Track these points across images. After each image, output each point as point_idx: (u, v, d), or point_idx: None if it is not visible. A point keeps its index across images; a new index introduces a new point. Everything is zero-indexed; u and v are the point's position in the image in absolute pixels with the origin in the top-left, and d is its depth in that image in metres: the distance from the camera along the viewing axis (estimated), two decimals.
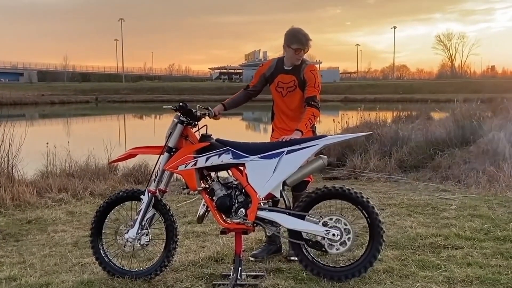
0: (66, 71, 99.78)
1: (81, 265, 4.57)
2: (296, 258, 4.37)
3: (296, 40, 4.31)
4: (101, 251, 4.19)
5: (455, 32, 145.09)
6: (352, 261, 3.99)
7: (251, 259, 4.48)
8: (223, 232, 4.11)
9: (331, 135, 4.11)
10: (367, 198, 3.90)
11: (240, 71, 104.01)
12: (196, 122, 4.12)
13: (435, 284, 3.75)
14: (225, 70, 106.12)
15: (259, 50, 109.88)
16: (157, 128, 33.18)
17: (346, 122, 15.07)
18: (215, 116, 4.36)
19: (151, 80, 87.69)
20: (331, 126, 16.64)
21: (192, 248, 4.91)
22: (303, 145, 3.92)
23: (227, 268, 4.32)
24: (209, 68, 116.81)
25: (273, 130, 4.66)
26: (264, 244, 4.66)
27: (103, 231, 4.24)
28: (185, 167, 3.96)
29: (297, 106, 4.45)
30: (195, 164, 3.96)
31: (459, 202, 6.60)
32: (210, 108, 4.31)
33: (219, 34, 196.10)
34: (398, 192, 7.69)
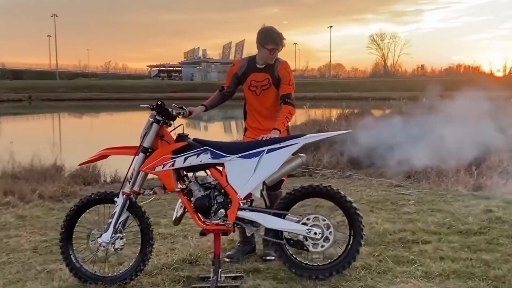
0: None
1: (47, 272, 4.35)
2: (272, 258, 4.39)
3: (271, 40, 4.28)
4: (72, 257, 4.02)
5: (388, 32, 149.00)
6: (332, 259, 4.00)
7: (226, 260, 4.42)
8: (203, 234, 4.03)
9: (310, 133, 4.10)
10: (346, 195, 3.93)
11: (180, 69, 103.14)
12: (171, 122, 4.02)
13: (414, 279, 3.83)
14: (164, 68, 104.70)
15: (198, 48, 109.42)
16: (101, 126, 32.44)
17: (293, 120, 15.20)
18: (189, 115, 4.27)
19: (87, 78, 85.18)
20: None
21: (162, 251, 4.79)
22: (283, 144, 3.90)
23: (203, 270, 4.24)
24: (147, 66, 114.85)
25: (246, 129, 4.62)
26: (238, 244, 4.61)
27: (73, 236, 4.06)
28: (163, 168, 3.86)
29: (271, 105, 4.42)
30: (173, 165, 3.86)
31: (416, 197, 6.80)
32: (184, 107, 4.22)
33: (156, 31, 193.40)
34: (354, 188, 7.83)
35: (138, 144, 4.01)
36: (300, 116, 15.75)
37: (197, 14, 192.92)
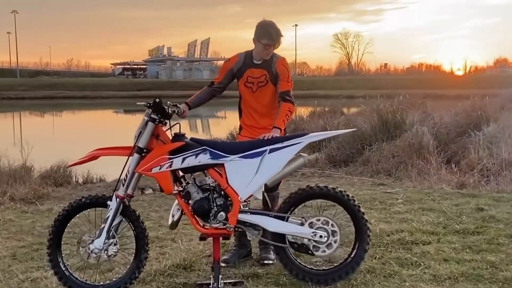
0: None
1: (31, 280, 4.06)
2: (270, 261, 4.22)
3: (267, 35, 4.07)
4: (61, 265, 3.74)
5: (352, 31, 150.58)
6: (337, 264, 3.84)
7: (222, 264, 4.19)
8: (202, 238, 3.81)
9: (314, 132, 3.93)
10: (353, 197, 3.77)
11: (144, 67, 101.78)
12: (167, 120, 3.79)
13: (423, 282, 3.69)
14: (128, 66, 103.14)
15: (163, 45, 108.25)
16: (66, 125, 31.67)
17: None
18: (183, 114, 4.04)
19: (49, 76, 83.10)
20: None
21: (152, 256, 4.52)
22: (285, 143, 3.71)
23: (200, 276, 4.03)
24: (111, 64, 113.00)
25: (241, 128, 4.40)
26: (234, 248, 4.40)
27: (62, 242, 3.79)
28: (160, 169, 3.62)
29: (268, 102, 4.23)
30: (170, 166, 3.63)
31: (404, 196, 6.70)
32: (178, 105, 3.99)
33: (119, 28, 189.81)
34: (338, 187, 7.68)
35: (129, 144, 3.78)
36: None
37: (161, 11, 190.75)
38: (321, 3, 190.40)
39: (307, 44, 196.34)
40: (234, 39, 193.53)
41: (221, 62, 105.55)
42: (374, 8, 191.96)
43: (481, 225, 5.08)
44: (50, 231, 3.76)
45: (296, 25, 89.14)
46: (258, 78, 4.18)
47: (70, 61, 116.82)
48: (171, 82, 69.82)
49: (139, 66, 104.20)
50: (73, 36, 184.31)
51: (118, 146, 3.79)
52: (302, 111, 17.20)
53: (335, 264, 3.83)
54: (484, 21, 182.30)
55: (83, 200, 3.75)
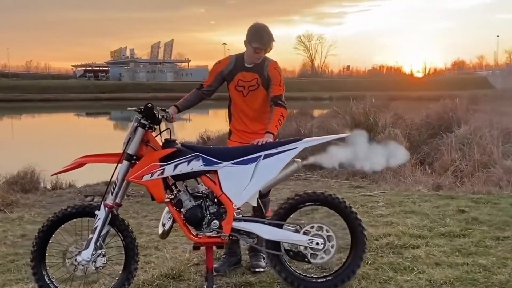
0: None
1: None
2: (261, 269, 4.13)
3: (258, 38, 3.97)
4: (46, 278, 3.56)
5: (315, 33, 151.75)
6: (332, 271, 3.78)
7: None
8: (196, 247, 3.69)
9: (309, 137, 3.85)
10: (350, 204, 3.72)
11: (107, 69, 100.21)
12: (156, 126, 3.65)
13: None
14: (90, 68, 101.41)
15: (126, 47, 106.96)
16: (26, 129, 30.82)
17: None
18: (172, 118, 3.91)
19: (7, 78, 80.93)
20: (223, 126, 16.51)
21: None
22: (280, 148, 3.63)
23: (190, 286, 3.91)
24: (72, 66, 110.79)
25: (231, 133, 4.29)
26: (224, 256, 4.28)
27: (46, 254, 3.61)
28: (151, 176, 3.49)
29: (259, 106, 4.14)
30: (162, 173, 3.50)
31: (384, 199, 6.70)
32: (167, 110, 3.85)
33: (80, 30, 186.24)
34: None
35: (116, 151, 3.63)
36: None
37: (123, 13, 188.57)
38: (285, 6, 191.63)
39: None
40: (199, 41, 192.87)
41: (185, 64, 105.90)
42: (337, 11, 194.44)
43: (465, 227, 5.10)
44: (34, 243, 3.57)
45: None
46: (249, 82, 4.08)
47: (29, 62, 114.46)
48: (134, 84, 69.04)
49: (101, 68, 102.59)
50: (32, 37, 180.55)
51: (105, 153, 3.63)
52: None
53: (331, 272, 3.77)
54: (442, 25, 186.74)
55: (68, 209, 3.58)
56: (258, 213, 3.91)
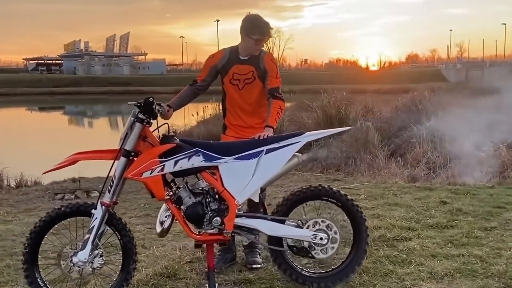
0: None
1: None
2: (258, 265, 4.06)
3: (258, 29, 3.86)
4: (39, 281, 3.38)
5: (273, 27, 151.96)
6: (335, 266, 3.74)
7: None
8: (198, 245, 3.58)
9: (310, 131, 3.78)
10: (351, 198, 3.68)
11: (60, 62, 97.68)
12: (152, 121, 3.51)
13: (422, 281, 3.64)
14: (42, 61, 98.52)
15: (80, 40, 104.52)
16: None
17: (201, 114, 14.97)
18: (167, 114, 3.78)
19: None
20: (189, 119, 16.32)
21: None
22: (282, 143, 3.54)
23: (188, 284, 3.79)
24: (23, 59, 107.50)
25: (226, 127, 4.16)
26: (219, 253, 4.18)
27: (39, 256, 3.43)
28: (151, 173, 3.35)
29: (256, 100, 4.04)
30: (162, 170, 3.37)
31: (364, 192, 6.72)
32: (163, 104, 3.71)
33: (31, 22, 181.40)
34: (295, 184, 7.63)
35: (112, 147, 3.48)
36: (209, 111, 15.42)
37: (77, 5, 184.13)
38: None
39: (229, 39, 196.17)
40: (155, 34, 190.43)
41: (142, 57, 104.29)
42: (294, 4, 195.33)
43: (452, 218, 5.15)
44: (26, 244, 3.39)
45: (217, 20, 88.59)
46: (245, 75, 3.98)
47: None
48: (90, 78, 67.51)
49: (54, 62, 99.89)
50: None
51: (101, 149, 3.47)
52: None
53: (334, 267, 3.73)
54: (396, 19, 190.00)
55: (62, 209, 3.40)
56: (252, 209, 3.83)
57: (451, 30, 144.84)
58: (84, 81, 62.82)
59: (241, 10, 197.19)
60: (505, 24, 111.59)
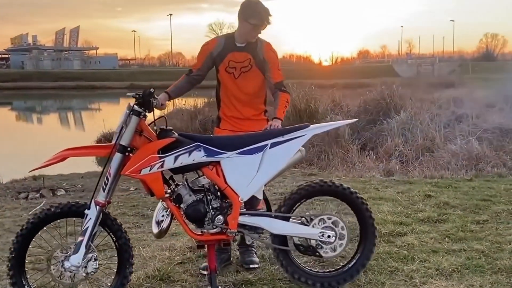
0: None
1: None
2: (256, 265, 3.86)
3: (256, 14, 3.63)
4: None
5: (226, 21, 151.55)
6: (341, 265, 3.58)
7: (204, 272, 3.74)
8: (200, 246, 3.35)
9: (314, 124, 3.59)
10: (359, 194, 3.51)
11: (7, 56, 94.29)
12: (147, 114, 3.25)
13: (431, 278, 3.51)
14: None
15: (27, 33, 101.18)
16: None
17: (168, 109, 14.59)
18: (161, 106, 3.52)
19: None
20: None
21: (114, 267, 3.93)
22: (287, 136, 3.34)
23: (183, 287, 3.55)
24: None
25: (220, 120, 3.92)
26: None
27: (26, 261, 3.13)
28: (150, 170, 3.09)
29: (252, 89, 3.81)
30: (162, 166, 3.11)
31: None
32: (156, 96, 3.45)
33: None
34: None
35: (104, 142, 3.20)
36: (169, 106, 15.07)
37: None
38: None
39: (181, 34, 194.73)
40: (106, 28, 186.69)
41: (93, 52, 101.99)
42: None
43: (441, 212, 5.08)
44: (12, 249, 3.07)
45: (170, 14, 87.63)
46: (241, 62, 3.75)
47: None
48: (40, 72, 65.41)
49: (0, 56, 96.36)
50: None
51: (93, 145, 3.20)
52: (199, 102, 16.78)
53: (340, 265, 3.56)
54: (348, 14, 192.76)
55: (52, 209, 3.10)
56: (248, 206, 3.63)
57: (402, 27, 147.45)
58: (33, 76, 60.79)
59: (193, 5, 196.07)
60: (453, 21, 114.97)
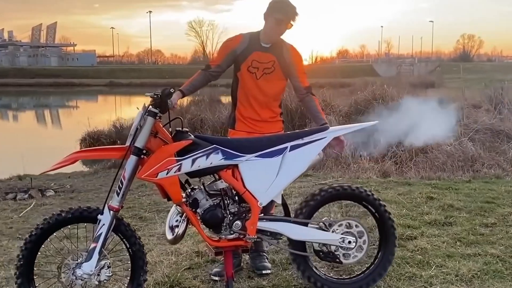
0: None
1: None
2: (268, 271, 3.74)
3: (281, 9, 3.49)
4: None
5: (206, 20, 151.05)
6: (361, 270, 3.48)
7: (215, 278, 3.62)
8: (218, 253, 3.21)
9: (334, 126, 3.48)
10: (378, 198, 3.41)
11: None
12: (161, 115, 3.10)
13: (451, 284, 3.43)
14: None
15: (3, 29, 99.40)
16: None
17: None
18: (173, 106, 3.36)
19: None
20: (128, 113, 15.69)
21: (119, 274, 3.77)
22: (306, 139, 3.22)
23: None
24: None
25: (236, 120, 3.76)
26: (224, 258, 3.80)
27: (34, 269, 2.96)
28: (167, 173, 2.94)
29: (272, 92, 3.66)
30: (179, 169, 2.97)
31: None
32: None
33: None
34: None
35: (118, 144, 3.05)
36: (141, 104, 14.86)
37: None
38: None
39: (160, 31, 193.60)
40: (84, 25, 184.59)
41: (70, 48, 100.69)
42: None
43: (447, 215, 5.01)
44: (20, 256, 2.90)
45: (150, 11, 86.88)
46: (265, 63, 3.60)
47: None
48: (16, 69, 64.35)
49: None
50: None
51: (106, 147, 3.04)
52: (184, 101, 16.57)
53: (360, 271, 3.46)
54: (328, 15, 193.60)
55: (63, 215, 2.94)
56: (263, 211, 3.50)
57: (382, 27, 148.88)
58: (9, 73, 59.79)
59: (173, 2, 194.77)
60: (432, 21, 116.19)
